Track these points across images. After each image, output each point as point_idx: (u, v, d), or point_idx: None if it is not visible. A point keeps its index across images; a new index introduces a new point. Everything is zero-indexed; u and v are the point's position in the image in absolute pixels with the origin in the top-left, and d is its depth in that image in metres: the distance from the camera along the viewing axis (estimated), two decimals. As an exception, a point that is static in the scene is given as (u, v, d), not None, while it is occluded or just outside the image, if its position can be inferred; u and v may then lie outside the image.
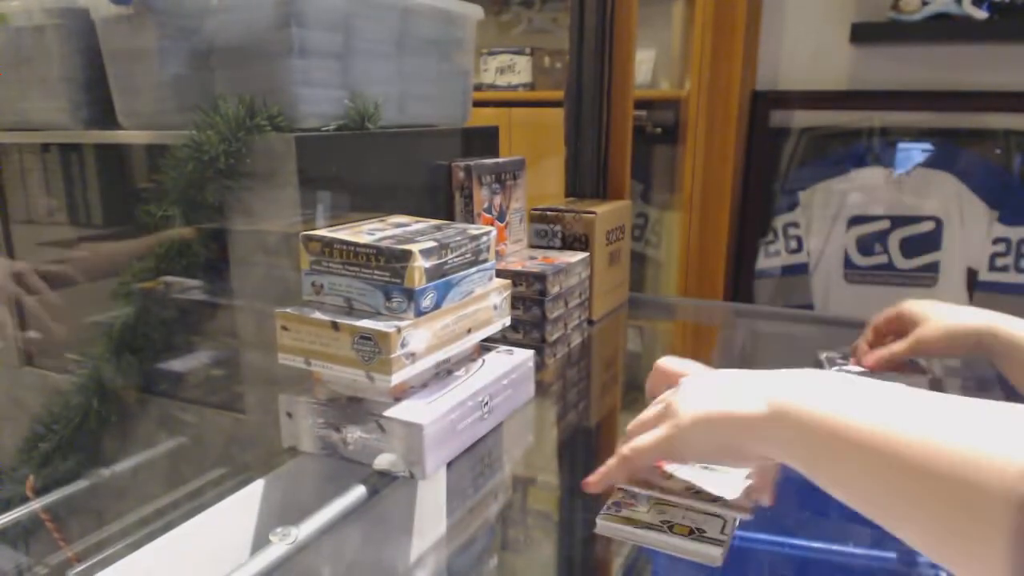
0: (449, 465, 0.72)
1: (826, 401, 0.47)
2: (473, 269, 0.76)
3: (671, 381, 0.62)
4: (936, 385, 0.91)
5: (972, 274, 1.91)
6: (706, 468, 0.67)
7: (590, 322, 1.20)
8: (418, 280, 0.67)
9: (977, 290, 1.90)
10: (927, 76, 1.93)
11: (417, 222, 0.80)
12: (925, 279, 1.95)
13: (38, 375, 1.06)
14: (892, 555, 0.74)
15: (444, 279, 0.71)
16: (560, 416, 0.98)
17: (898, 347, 0.84)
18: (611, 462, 0.60)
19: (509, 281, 0.84)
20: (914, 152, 1.96)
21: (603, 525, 0.65)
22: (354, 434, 0.69)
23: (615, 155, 1.41)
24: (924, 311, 0.83)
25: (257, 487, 0.68)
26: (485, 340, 0.82)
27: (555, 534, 0.78)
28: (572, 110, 1.39)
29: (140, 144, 0.96)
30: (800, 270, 2.05)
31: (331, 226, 0.75)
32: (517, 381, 0.83)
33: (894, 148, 1.97)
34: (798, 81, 2.05)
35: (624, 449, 0.59)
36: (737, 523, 0.65)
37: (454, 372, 0.78)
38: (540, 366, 0.98)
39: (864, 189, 1.99)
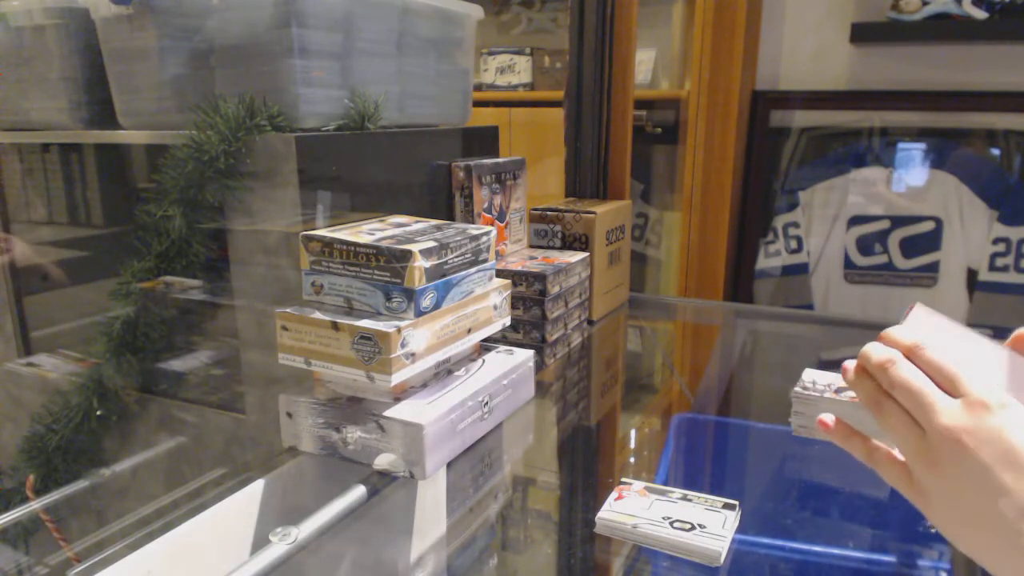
0: (449, 465, 0.72)
1: None
2: (473, 269, 0.76)
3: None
4: None
5: (972, 274, 1.91)
6: (685, 498, 0.68)
7: (590, 322, 1.20)
8: (418, 280, 0.67)
9: (977, 290, 1.90)
10: (927, 76, 1.93)
11: (417, 222, 0.80)
12: (925, 279, 1.95)
13: (38, 375, 1.06)
14: (892, 559, 0.74)
15: (444, 279, 0.71)
16: (560, 416, 0.98)
17: None
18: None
19: (509, 281, 0.84)
20: (914, 152, 1.96)
21: (603, 524, 0.65)
22: (354, 434, 0.69)
23: (615, 155, 1.41)
24: None
25: (257, 487, 0.68)
26: (485, 340, 0.82)
27: (555, 534, 0.78)
28: (572, 110, 1.39)
29: (140, 144, 0.96)
30: (800, 270, 2.05)
31: (331, 226, 0.75)
32: (517, 381, 0.83)
33: (894, 148, 1.97)
34: (798, 81, 2.05)
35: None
36: (738, 520, 0.65)
37: (454, 372, 0.78)
38: (540, 366, 0.98)
39: (864, 189, 1.99)
